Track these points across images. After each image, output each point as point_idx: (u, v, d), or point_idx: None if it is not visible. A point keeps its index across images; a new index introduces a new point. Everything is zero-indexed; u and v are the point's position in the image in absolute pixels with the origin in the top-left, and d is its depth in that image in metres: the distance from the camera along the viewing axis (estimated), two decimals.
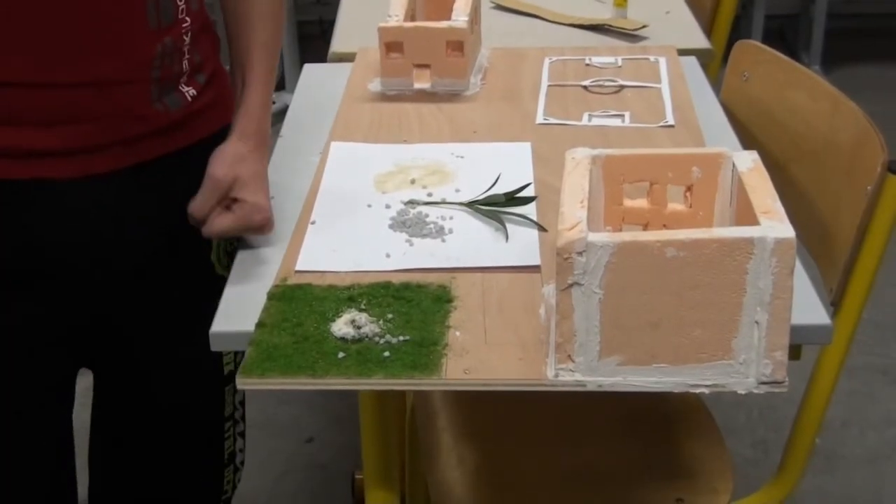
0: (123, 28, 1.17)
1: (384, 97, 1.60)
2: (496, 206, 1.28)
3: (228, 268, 1.22)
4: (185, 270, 1.32)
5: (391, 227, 1.25)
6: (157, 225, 1.27)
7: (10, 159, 1.16)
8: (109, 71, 1.17)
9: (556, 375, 0.99)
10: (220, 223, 1.19)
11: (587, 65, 1.69)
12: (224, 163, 1.20)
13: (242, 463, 1.50)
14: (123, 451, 1.43)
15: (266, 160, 1.26)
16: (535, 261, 1.18)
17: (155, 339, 1.34)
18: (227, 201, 1.19)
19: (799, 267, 1.12)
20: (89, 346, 1.32)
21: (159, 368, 1.36)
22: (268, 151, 1.28)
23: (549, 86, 1.62)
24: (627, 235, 0.95)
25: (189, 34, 1.24)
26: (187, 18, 1.23)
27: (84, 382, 1.37)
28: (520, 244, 1.21)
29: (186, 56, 1.24)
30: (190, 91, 1.26)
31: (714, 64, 2.15)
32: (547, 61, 1.70)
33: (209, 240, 1.26)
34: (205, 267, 1.33)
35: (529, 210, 1.27)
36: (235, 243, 1.27)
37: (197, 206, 1.19)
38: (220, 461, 1.46)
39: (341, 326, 1.06)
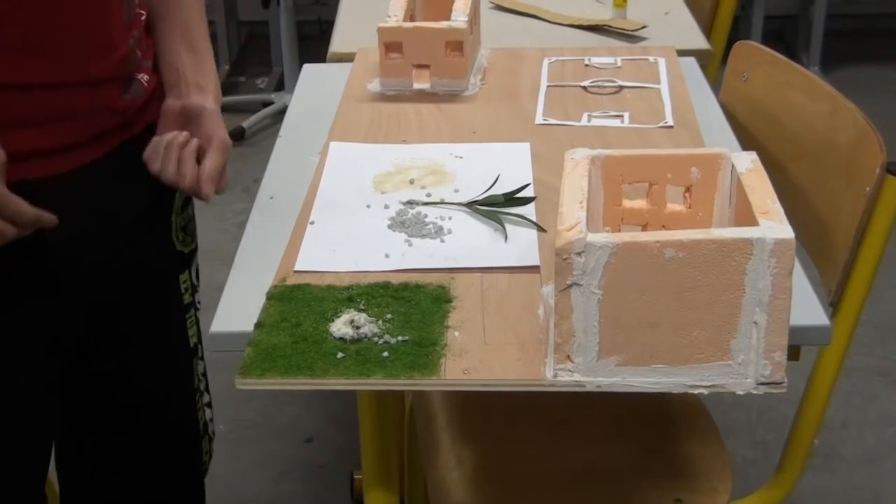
0: (107, 27, 1.19)
1: (383, 97, 1.60)
2: (495, 207, 1.28)
3: (184, 242, 1.35)
4: (154, 250, 1.35)
5: (390, 227, 1.25)
6: (130, 208, 1.30)
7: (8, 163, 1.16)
8: (98, 70, 1.19)
9: (555, 376, 0.99)
10: (212, 162, 1.23)
11: (586, 65, 1.69)
12: (222, 127, 1.26)
13: (214, 433, 1.53)
14: (108, 433, 1.43)
15: None
16: (534, 261, 1.18)
17: (135, 318, 1.36)
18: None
19: (798, 268, 1.12)
20: (84, 340, 1.33)
21: (139, 345, 1.38)
22: None
23: (549, 86, 1.62)
24: (626, 236, 0.95)
25: (144, 25, 1.27)
26: (142, 10, 1.27)
27: None
28: (519, 244, 1.21)
29: (144, 46, 1.28)
30: (144, 77, 1.28)
31: (713, 65, 2.15)
32: (546, 62, 1.70)
33: (168, 219, 1.34)
34: (169, 245, 1.37)
35: (528, 210, 1.27)
36: (189, 219, 1.39)
37: (215, 167, 1.22)
38: (197, 432, 1.48)
39: (340, 327, 1.06)
